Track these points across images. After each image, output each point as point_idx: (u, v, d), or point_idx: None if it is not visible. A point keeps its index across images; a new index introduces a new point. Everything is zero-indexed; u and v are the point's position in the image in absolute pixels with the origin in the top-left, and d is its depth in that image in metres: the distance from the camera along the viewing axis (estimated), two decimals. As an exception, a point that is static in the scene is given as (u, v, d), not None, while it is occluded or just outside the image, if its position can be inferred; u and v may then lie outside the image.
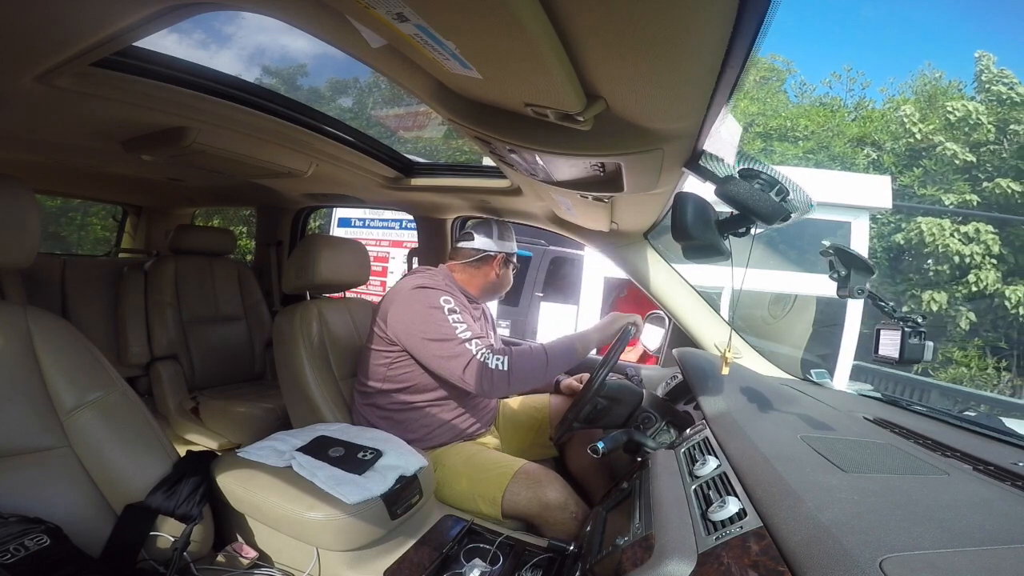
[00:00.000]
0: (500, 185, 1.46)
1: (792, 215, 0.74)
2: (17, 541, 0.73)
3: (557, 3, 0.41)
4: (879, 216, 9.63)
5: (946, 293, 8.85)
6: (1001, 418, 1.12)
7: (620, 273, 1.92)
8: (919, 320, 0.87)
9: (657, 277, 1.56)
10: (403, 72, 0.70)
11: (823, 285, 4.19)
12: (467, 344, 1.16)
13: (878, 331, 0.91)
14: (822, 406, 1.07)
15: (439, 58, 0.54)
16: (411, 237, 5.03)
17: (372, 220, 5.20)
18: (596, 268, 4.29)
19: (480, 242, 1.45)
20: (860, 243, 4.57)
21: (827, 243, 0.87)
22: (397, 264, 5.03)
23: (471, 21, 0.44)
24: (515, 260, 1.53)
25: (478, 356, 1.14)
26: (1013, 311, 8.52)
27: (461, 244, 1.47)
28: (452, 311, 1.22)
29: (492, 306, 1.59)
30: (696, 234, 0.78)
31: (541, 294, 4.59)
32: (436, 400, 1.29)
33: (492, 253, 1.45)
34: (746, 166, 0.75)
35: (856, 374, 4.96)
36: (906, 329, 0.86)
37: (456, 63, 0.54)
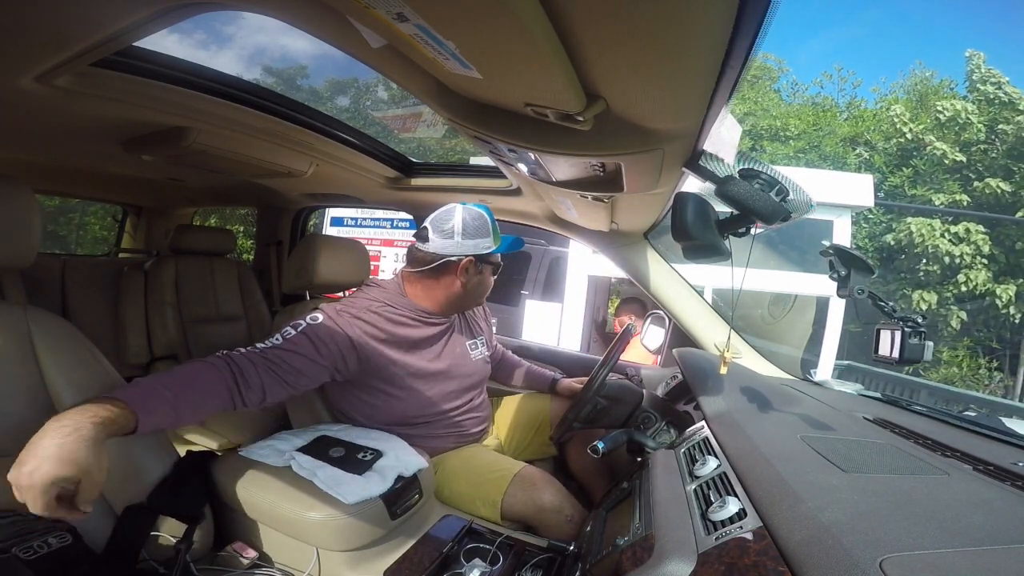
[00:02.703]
0: (500, 185, 1.46)
1: (792, 215, 0.74)
2: (42, 538, 0.74)
3: (557, 3, 0.41)
4: (870, 216, 9.59)
5: (936, 293, 8.80)
6: (1001, 418, 1.12)
7: (612, 272, 1.92)
8: (919, 320, 0.87)
9: (657, 277, 1.56)
10: (403, 72, 0.70)
11: (822, 285, 4.19)
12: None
13: (878, 331, 0.91)
14: (822, 406, 1.07)
15: (439, 58, 0.54)
16: (402, 236, 5.13)
17: (364, 219, 5.35)
18: (580, 266, 4.26)
19: (436, 244, 1.14)
20: (843, 241, 4.55)
21: (827, 243, 0.87)
22: (388, 263, 5.16)
23: (471, 21, 0.44)
24: (496, 260, 1.21)
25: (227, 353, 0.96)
26: (1004, 311, 8.48)
27: (416, 245, 1.18)
28: (298, 326, 1.04)
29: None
30: (696, 234, 0.78)
31: (527, 292, 4.57)
32: (406, 431, 1.18)
33: (453, 259, 1.14)
34: (746, 166, 0.75)
35: (845, 374, 4.96)
36: (906, 329, 0.86)
37: (456, 63, 0.54)
